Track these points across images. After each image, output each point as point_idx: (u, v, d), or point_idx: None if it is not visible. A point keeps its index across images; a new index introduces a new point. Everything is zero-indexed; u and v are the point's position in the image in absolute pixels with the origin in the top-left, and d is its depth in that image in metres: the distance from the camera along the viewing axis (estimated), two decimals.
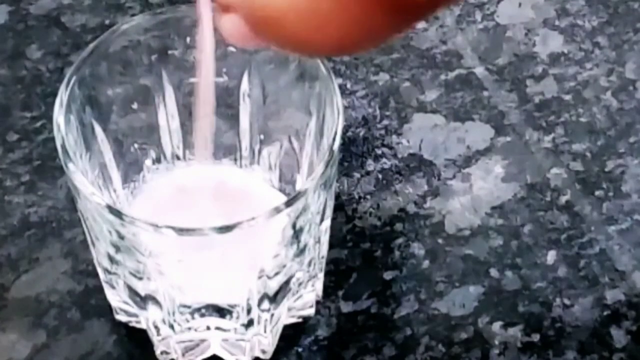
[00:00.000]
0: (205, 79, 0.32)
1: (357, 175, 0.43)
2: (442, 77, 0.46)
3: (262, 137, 0.38)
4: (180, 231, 0.31)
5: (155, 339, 0.37)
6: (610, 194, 0.43)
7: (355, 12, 0.20)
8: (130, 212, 0.36)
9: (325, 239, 0.36)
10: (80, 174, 0.31)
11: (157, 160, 0.39)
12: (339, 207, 0.41)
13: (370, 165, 0.43)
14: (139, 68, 0.36)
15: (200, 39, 0.31)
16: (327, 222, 0.35)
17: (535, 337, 0.39)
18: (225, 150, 0.39)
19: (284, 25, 0.21)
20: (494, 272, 0.41)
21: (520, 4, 0.49)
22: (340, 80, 0.45)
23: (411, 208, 0.42)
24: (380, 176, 0.43)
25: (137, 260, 0.33)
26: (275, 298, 0.35)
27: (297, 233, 0.33)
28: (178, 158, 0.39)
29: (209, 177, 0.38)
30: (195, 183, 0.38)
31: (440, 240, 0.41)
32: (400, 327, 0.39)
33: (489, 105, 0.45)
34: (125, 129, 0.37)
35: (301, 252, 0.34)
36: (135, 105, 0.37)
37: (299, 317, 0.39)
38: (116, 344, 0.38)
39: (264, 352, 0.38)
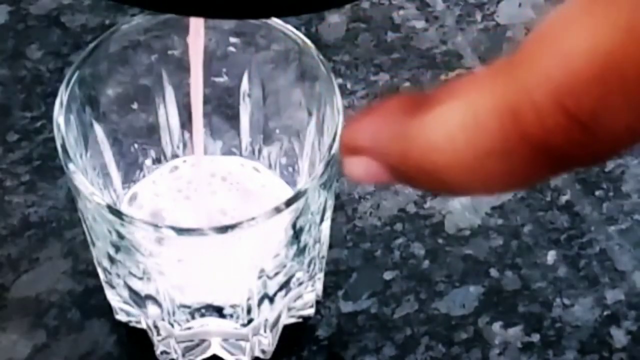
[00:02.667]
0: (195, 75, 0.32)
1: None
2: (442, 77, 0.46)
3: (262, 137, 0.38)
4: (180, 231, 0.31)
5: (155, 339, 0.37)
6: (611, 194, 0.43)
7: (522, 171, 0.20)
8: (130, 212, 0.37)
9: (325, 239, 0.36)
10: (80, 174, 0.31)
11: (157, 160, 0.39)
12: (339, 207, 0.41)
13: None
14: (139, 68, 0.36)
15: (190, 38, 0.31)
16: (327, 222, 0.35)
17: (535, 337, 0.39)
18: (226, 150, 0.39)
19: (439, 178, 0.21)
20: (494, 272, 0.41)
21: (520, 4, 0.49)
22: (340, 80, 0.45)
23: (411, 208, 0.42)
24: None
25: (137, 260, 0.33)
26: (275, 298, 0.35)
27: (297, 233, 0.33)
28: (177, 156, 0.39)
29: (210, 173, 0.38)
30: (197, 180, 0.38)
31: (440, 240, 0.41)
32: (400, 327, 0.39)
33: None
34: (125, 129, 0.37)
35: (301, 252, 0.34)
36: (135, 105, 0.37)
37: (299, 317, 0.39)
38: (116, 344, 0.38)
39: (264, 352, 0.38)
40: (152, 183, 0.38)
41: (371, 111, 0.22)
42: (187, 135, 0.38)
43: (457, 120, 0.20)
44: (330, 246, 0.38)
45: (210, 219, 0.37)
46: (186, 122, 0.38)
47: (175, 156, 0.39)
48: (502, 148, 0.19)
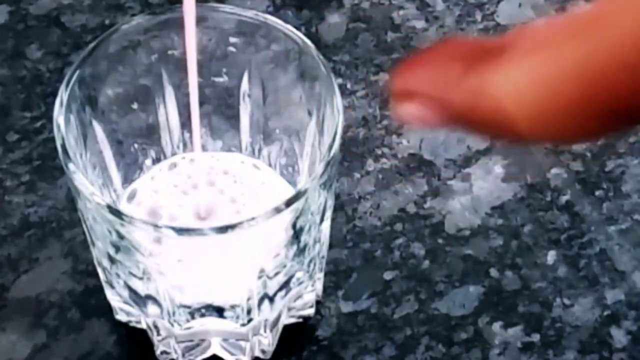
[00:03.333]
0: (190, 69, 0.32)
1: (357, 175, 0.43)
2: None
3: (262, 137, 0.38)
4: (180, 231, 0.31)
5: (155, 339, 0.37)
6: (610, 194, 0.43)
7: (589, 125, 0.20)
8: (129, 209, 0.37)
9: (325, 239, 0.36)
10: (80, 174, 0.31)
11: (157, 160, 0.39)
12: (339, 207, 0.41)
13: (370, 165, 0.43)
14: (139, 68, 0.36)
15: (185, 36, 0.31)
16: (327, 222, 0.35)
17: (535, 337, 0.39)
18: (226, 149, 0.39)
19: (509, 129, 0.20)
20: (494, 272, 0.41)
21: (520, 4, 0.49)
22: (340, 80, 0.45)
23: (411, 208, 0.42)
24: (380, 176, 0.43)
25: (137, 260, 0.33)
26: (275, 298, 0.35)
27: (297, 233, 0.33)
28: (175, 154, 0.39)
29: (210, 170, 0.38)
30: (196, 177, 0.38)
31: (440, 240, 0.41)
32: (400, 327, 0.39)
33: None
34: (125, 129, 0.37)
35: (301, 252, 0.34)
36: (135, 105, 0.37)
37: (299, 317, 0.39)
38: (116, 344, 0.38)
39: (264, 352, 0.38)
40: (150, 180, 0.38)
41: (426, 56, 0.22)
42: (187, 135, 0.38)
43: (534, 77, 0.19)
44: (330, 246, 0.38)
45: (209, 216, 0.37)
46: (186, 121, 0.38)
47: (174, 155, 0.39)
48: (582, 107, 0.19)
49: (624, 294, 0.40)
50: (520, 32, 0.20)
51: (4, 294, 0.39)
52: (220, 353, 0.38)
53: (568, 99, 0.19)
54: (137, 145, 0.38)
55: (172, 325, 0.36)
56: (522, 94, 0.20)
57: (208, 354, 0.38)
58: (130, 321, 0.38)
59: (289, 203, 0.31)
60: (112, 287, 0.36)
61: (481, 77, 0.20)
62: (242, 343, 0.37)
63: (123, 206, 0.37)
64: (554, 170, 0.43)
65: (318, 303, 0.39)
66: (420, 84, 0.22)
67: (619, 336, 0.39)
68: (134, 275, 0.34)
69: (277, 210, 0.31)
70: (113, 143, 0.36)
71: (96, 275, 0.37)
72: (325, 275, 0.39)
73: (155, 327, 0.36)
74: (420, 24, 0.48)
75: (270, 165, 0.39)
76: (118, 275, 0.35)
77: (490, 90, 0.20)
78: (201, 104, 0.37)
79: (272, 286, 0.35)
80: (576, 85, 0.19)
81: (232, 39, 0.35)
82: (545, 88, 0.19)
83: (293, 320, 0.38)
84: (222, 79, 0.36)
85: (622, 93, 0.18)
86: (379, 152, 0.43)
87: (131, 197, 0.37)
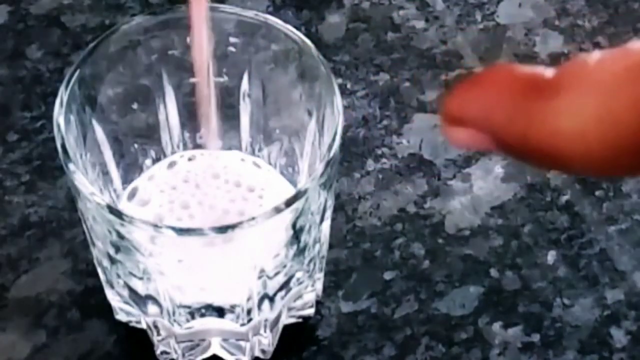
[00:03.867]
0: (200, 65, 0.32)
1: (357, 175, 0.43)
2: (442, 77, 0.46)
3: (262, 136, 0.38)
4: (180, 231, 0.31)
5: (155, 339, 0.37)
6: (610, 194, 0.43)
7: None
8: (129, 208, 0.37)
9: (325, 239, 0.36)
10: (80, 174, 0.31)
11: (157, 160, 0.39)
12: (339, 207, 0.41)
13: (370, 165, 0.43)
14: (139, 68, 0.36)
15: (193, 32, 0.31)
16: (327, 222, 0.35)
17: (535, 337, 0.39)
18: (226, 149, 0.39)
19: (561, 162, 0.20)
20: (494, 272, 0.41)
21: (520, 4, 0.49)
22: (340, 80, 0.45)
23: (411, 208, 0.42)
24: (380, 176, 0.43)
25: (137, 260, 0.33)
26: (275, 298, 0.35)
27: (297, 233, 0.33)
28: (176, 149, 0.39)
29: (210, 168, 0.38)
30: (196, 174, 0.38)
31: (440, 240, 0.41)
32: (400, 327, 0.39)
33: None
34: (125, 129, 0.37)
35: (301, 252, 0.34)
36: (135, 105, 0.37)
37: (299, 317, 0.39)
38: (116, 344, 0.38)
39: (264, 352, 0.38)
40: (149, 178, 0.38)
41: (479, 84, 0.22)
42: (187, 134, 0.38)
43: (590, 112, 0.19)
44: (330, 246, 0.38)
45: (210, 214, 0.37)
46: (186, 121, 0.38)
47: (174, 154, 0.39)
48: None
49: (624, 294, 0.40)
50: (573, 66, 0.20)
51: (4, 294, 0.39)
52: (220, 353, 0.38)
53: (626, 137, 0.19)
54: (137, 145, 0.38)
55: (172, 325, 0.36)
56: (586, 129, 0.20)
57: (208, 354, 0.38)
58: (130, 321, 0.38)
59: (289, 203, 0.31)
60: (112, 287, 0.36)
61: (538, 109, 0.20)
62: (242, 343, 0.37)
63: (123, 205, 0.37)
64: (553, 170, 0.43)
65: (318, 303, 0.39)
66: (471, 110, 0.22)
67: (619, 336, 0.39)
68: (134, 275, 0.34)
69: (277, 210, 0.31)
70: (113, 143, 0.36)
71: (96, 275, 0.37)
72: (325, 275, 0.39)
73: (155, 327, 0.36)
74: (420, 24, 0.48)
75: (270, 164, 0.39)
76: (118, 275, 0.35)
77: (549, 122, 0.20)
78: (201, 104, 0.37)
79: (272, 286, 0.35)
80: (636, 124, 0.19)
81: (232, 39, 0.35)
82: (606, 124, 0.19)
83: (293, 320, 0.38)
84: (222, 79, 0.36)
85: None
86: (379, 152, 0.43)
87: (131, 196, 0.37)
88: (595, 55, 0.20)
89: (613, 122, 0.19)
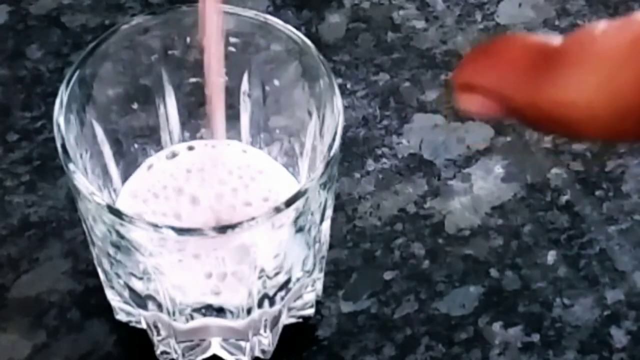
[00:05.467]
0: (215, 59, 0.32)
1: (357, 175, 0.43)
2: (442, 77, 0.46)
3: (262, 137, 0.38)
4: (180, 231, 0.31)
5: (155, 339, 0.37)
6: (611, 194, 0.43)
7: None
8: (127, 201, 0.36)
9: (325, 239, 0.36)
10: (80, 174, 0.31)
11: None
12: (339, 207, 0.41)
13: (370, 165, 0.43)
14: (139, 68, 0.36)
15: (205, 27, 0.31)
16: (327, 222, 0.35)
17: (535, 337, 0.39)
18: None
19: (568, 127, 0.21)
20: (494, 272, 0.41)
21: (520, 4, 0.49)
22: (340, 80, 0.45)
23: (411, 208, 0.42)
24: (380, 176, 0.43)
25: (137, 260, 0.33)
26: (275, 298, 0.35)
27: (297, 233, 0.33)
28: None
29: (211, 159, 0.38)
30: (196, 166, 0.38)
31: (440, 240, 0.41)
32: (400, 327, 0.39)
33: None
34: (125, 129, 0.37)
35: (301, 252, 0.34)
36: (135, 105, 0.37)
37: (299, 317, 0.39)
38: (116, 344, 0.38)
39: (264, 352, 0.38)
40: (148, 169, 0.38)
41: (491, 52, 0.23)
42: (187, 134, 0.38)
43: (596, 82, 0.20)
44: (330, 246, 0.38)
45: (210, 207, 0.36)
46: (186, 121, 0.38)
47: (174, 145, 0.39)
48: None
49: (624, 294, 0.40)
50: (580, 37, 0.21)
51: (4, 294, 0.39)
52: (220, 353, 0.38)
53: (632, 104, 0.20)
54: (137, 145, 0.38)
55: (172, 325, 0.35)
56: (592, 98, 0.20)
57: (208, 354, 0.38)
58: (130, 321, 0.38)
59: (289, 203, 0.31)
60: (112, 287, 0.36)
61: (547, 78, 0.21)
62: (242, 343, 0.37)
63: (121, 198, 0.37)
64: (554, 170, 0.43)
65: (318, 303, 0.39)
66: (483, 78, 0.23)
67: (619, 336, 0.39)
68: (134, 275, 0.34)
69: (277, 210, 0.31)
70: (113, 143, 0.36)
71: (96, 275, 0.37)
72: (325, 275, 0.39)
73: (155, 327, 0.36)
74: (420, 24, 0.48)
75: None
76: (118, 275, 0.35)
77: (557, 91, 0.21)
78: (201, 104, 0.37)
79: (272, 286, 0.35)
80: None
81: (232, 39, 0.35)
82: (613, 93, 0.20)
83: (293, 320, 0.38)
84: (222, 79, 0.36)
85: None
86: (379, 152, 0.43)
87: (129, 190, 0.37)
88: (602, 25, 0.21)
89: (618, 90, 0.20)
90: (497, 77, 0.22)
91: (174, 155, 0.38)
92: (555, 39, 0.22)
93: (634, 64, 0.20)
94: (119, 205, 0.36)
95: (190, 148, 0.38)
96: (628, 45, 0.20)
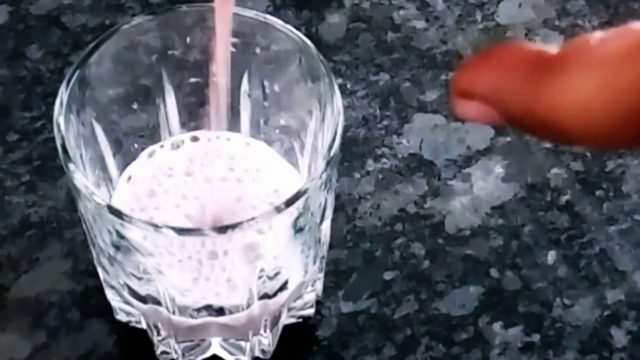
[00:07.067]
0: (223, 50, 0.32)
1: (357, 175, 0.43)
2: (442, 77, 0.46)
3: (262, 137, 0.38)
4: (180, 231, 0.31)
5: (155, 339, 0.37)
6: (611, 194, 0.43)
7: None
8: (127, 191, 0.36)
9: (325, 239, 0.36)
10: (80, 174, 0.31)
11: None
12: (339, 207, 0.41)
13: (370, 165, 0.43)
14: (139, 68, 0.36)
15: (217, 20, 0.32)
16: (327, 222, 0.35)
17: (535, 337, 0.39)
18: None
19: (565, 135, 0.21)
20: (494, 272, 0.41)
21: (520, 4, 0.49)
22: (340, 80, 0.45)
23: (411, 208, 0.42)
24: (380, 176, 0.43)
25: (137, 260, 0.33)
26: (275, 298, 0.35)
27: (297, 233, 0.33)
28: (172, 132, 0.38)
29: (213, 152, 0.38)
30: (199, 158, 0.37)
31: (440, 240, 0.41)
32: (400, 327, 0.39)
33: None
34: (125, 129, 0.37)
35: (301, 252, 0.34)
36: (135, 105, 0.37)
37: (299, 317, 0.39)
38: (116, 344, 0.38)
39: (264, 352, 0.38)
40: (148, 158, 0.37)
41: (488, 59, 0.23)
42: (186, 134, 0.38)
43: (593, 89, 0.20)
44: (330, 246, 0.38)
45: (210, 200, 0.36)
46: (186, 121, 0.38)
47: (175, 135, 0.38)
48: None
49: (624, 294, 0.40)
50: (577, 45, 0.21)
51: (4, 294, 0.39)
52: (220, 353, 0.38)
53: (629, 111, 0.20)
54: (137, 145, 0.38)
55: (172, 325, 0.35)
56: (589, 105, 0.21)
57: (208, 354, 0.38)
58: (130, 321, 0.38)
59: (289, 203, 0.31)
60: (112, 287, 0.36)
61: (544, 85, 0.21)
62: (242, 343, 0.37)
63: (120, 187, 0.37)
64: (554, 170, 0.43)
65: (318, 303, 0.39)
66: (481, 85, 0.23)
67: (619, 336, 0.39)
68: (134, 275, 0.34)
69: (277, 210, 0.31)
70: (113, 143, 0.36)
71: (96, 275, 0.37)
72: (325, 275, 0.39)
73: (155, 327, 0.36)
74: (420, 24, 0.48)
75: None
76: (118, 275, 0.35)
77: (554, 97, 0.21)
78: (201, 103, 0.37)
79: (272, 286, 0.35)
80: (637, 100, 0.20)
81: (232, 39, 0.35)
82: (610, 100, 0.20)
83: (293, 320, 0.38)
84: (227, 79, 0.36)
85: None
86: (379, 152, 0.43)
87: (129, 179, 0.37)
88: (598, 34, 0.21)
89: (615, 98, 0.20)
90: (494, 84, 0.22)
91: (177, 146, 0.38)
92: (552, 47, 0.22)
93: (631, 71, 0.20)
94: (116, 196, 0.36)
95: (195, 138, 0.38)
96: (625, 53, 0.20)
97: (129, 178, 0.37)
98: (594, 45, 0.21)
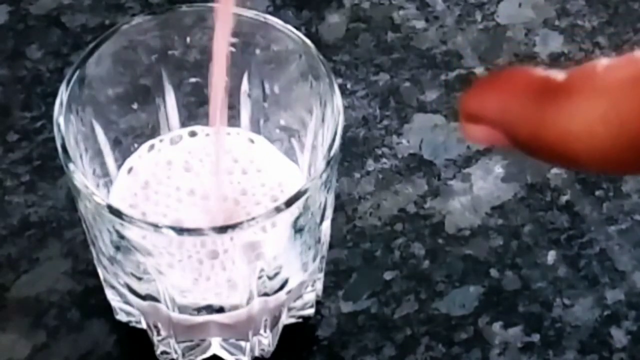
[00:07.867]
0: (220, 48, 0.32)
1: (357, 175, 0.43)
2: (442, 77, 0.46)
3: (262, 136, 0.38)
4: (180, 231, 0.31)
5: (155, 339, 0.37)
6: (610, 194, 0.43)
7: None
8: (127, 183, 0.36)
9: (325, 239, 0.36)
10: (80, 174, 0.31)
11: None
12: (339, 207, 0.41)
13: (370, 165, 0.43)
14: (139, 68, 0.36)
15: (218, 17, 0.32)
16: (327, 222, 0.35)
17: (535, 337, 0.39)
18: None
19: (571, 159, 0.22)
20: (494, 272, 0.41)
21: (520, 4, 0.49)
22: (340, 80, 0.45)
23: (411, 208, 0.42)
24: (380, 176, 0.43)
25: (137, 260, 0.33)
26: (275, 298, 0.35)
27: (297, 233, 0.33)
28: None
29: (213, 147, 0.37)
30: (198, 153, 0.37)
31: (440, 240, 0.41)
32: (400, 327, 0.39)
33: None
34: (125, 129, 0.37)
35: (301, 252, 0.34)
36: (135, 105, 0.37)
37: (299, 317, 0.39)
38: (116, 344, 0.38)
39: (264, 352, 0.38)
40: (149, 150, 0.37)
41: (496, 83, 0.23)
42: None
43: (598, 115, 0.21)
44: (330, 246, 0.38)
45: (210, 194, 0.36)
46: (186, 121, 0.38)
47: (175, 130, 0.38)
48: None
49: (624, 294, 0.40)
50: (583, 71, 0.22)
51: (4, 294, 0.39)
52: (220, 353, 0.38)
53: (634, 138, 0.21)
54: (137, 145, 0.38)
55: (172, 325, 0.35)
56: (594, 130, 0.21)
57: (208, 354, 0.38)
58: (130, 321, 0.38)
59: (289, 203, 0.31)
60: (112, 287, 0.36)
61: (551, 110, 0.22)
62: (242, 343, 0.37)
63: (120, 179, 0.36)
64: (554, 170, 0.43)
65: (318, 303, 0.39)
66: (488, 109, 0.23)
67: (619, 336, 0.39)
68: (134, 275, 0.34)
69: (277, 210, 0.31)
70: (113, 143, 0.36)
71: (96, 275, 0.37)
72: (325, 275, 0.39)
73: (155, 327, 0.36)
74: (420, 24, 0.48)
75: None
76: (118, 275, 0.35)
77: (560, 123, 0.21)
78: (202, 103, 0.37)
79: (272, 286, 0.35)
80: None
81: (232, 39, 0.35)
82: (614, 126, 0.21)
83: (293, 320, 0.38)
84: (225, 79, 0.36)
85: None
86: (379, 152, 0.44)
87: (130, 171, 0.37)
88: (604, 62, 0.21)
89: (619, 124, 0.21)
90: (501, 108, 0.23)
91: (176, 141, 0.38)
92: (559, 73, 0.22)
93: (636, 98, 0.20)
94: (114, 192, 0.36)
95: (193, 133, 0.38)
96: (631, 80, 0.21)
97: (130, 170, 0.37)
98: (599, 72, 0.21)
